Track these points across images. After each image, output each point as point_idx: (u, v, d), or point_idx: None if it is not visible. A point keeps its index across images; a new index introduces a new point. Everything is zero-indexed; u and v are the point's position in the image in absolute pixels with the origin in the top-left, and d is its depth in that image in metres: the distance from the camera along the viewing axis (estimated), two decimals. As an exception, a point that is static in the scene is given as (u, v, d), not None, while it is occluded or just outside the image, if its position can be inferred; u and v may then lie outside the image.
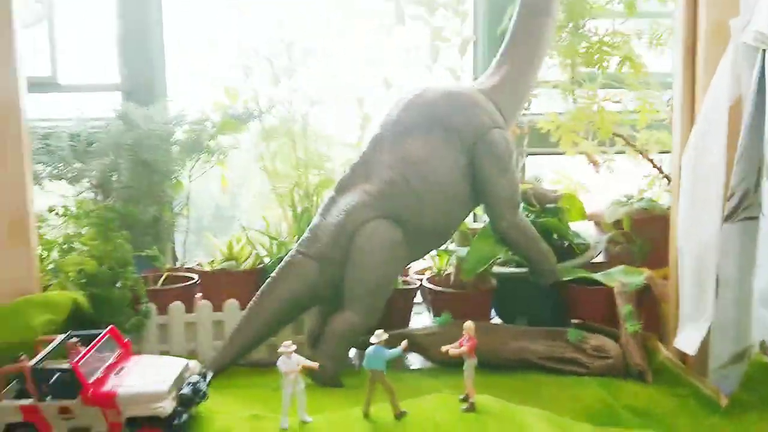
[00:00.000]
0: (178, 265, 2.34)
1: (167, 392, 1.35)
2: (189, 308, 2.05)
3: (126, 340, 1.53)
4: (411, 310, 2.21)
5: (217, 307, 2.04)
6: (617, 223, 2.11)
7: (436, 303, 2.13)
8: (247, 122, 2.30)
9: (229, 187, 2.49)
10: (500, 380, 1.74)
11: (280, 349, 1.43)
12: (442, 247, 2.12)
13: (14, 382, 1.42)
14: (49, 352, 1.41)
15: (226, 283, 2.11)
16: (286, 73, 2.35)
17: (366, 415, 1.44)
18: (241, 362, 1.91)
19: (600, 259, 2.20)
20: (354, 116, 2.44)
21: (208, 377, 1.49)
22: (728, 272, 1.50)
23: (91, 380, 1.36)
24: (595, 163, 2.37)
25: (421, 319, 2.25)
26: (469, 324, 1.45)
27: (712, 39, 1.58)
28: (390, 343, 1.77)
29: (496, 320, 2.17)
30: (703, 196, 1.56)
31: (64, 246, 1.96)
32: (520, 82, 1.95)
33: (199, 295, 2.16)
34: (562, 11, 2.26)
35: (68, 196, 2.17)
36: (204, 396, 1.44)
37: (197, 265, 2.21)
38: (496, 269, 2.14)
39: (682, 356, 1.73)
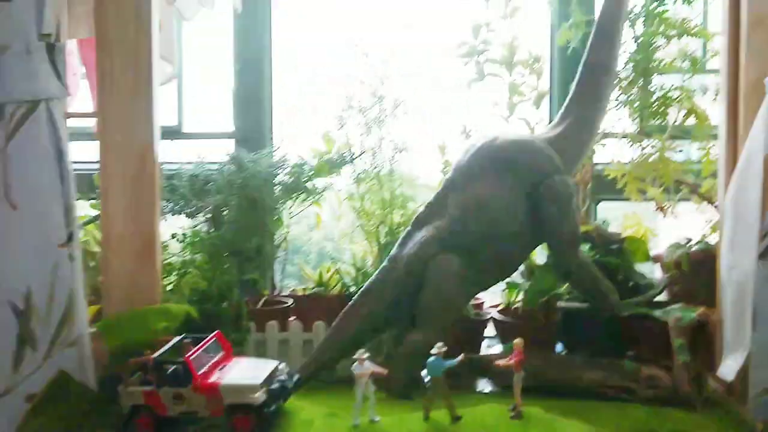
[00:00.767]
0: (276, 290, 2.64)
1: (260, 385, 1.62)
2: (283, 328, 2.34)
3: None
4: (482, 339, 2.41)
5: (308, 328, 2.32)
6: (677, 265, 2.24)
7: (504, 333, 2.32)
8: (341, 167, 2.60)
9: (323, 223, 2.78)
10: (557, 402, 1.86)
11: (355, 356, 1.68)
12: (512, 281, 2.33)
13: (138, 372, 1.73)
14: (167, 349, 1.72)
15: (315, 307, 2.38)
16: (376, 123, 2.64)
17: (426, 418, 1.65)
18: (327, 379, 2.17)
19: (663, 297, 2.32)
20: (436, 162, 2.70)
21: (295, 378, 1.75)
22: (764, 306, 1.63)
23: (200, 373, 1.65)
24: (662, 209, 2.51)
25: (493, 349, 2.44)
26: (518, 341, 1.65)
27: (752, 95, 1.74)
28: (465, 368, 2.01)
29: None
30: (742, 236, 1.71)
31: (181, 270, 2.31)
32: (581, 132, 2.15)
33: (292, 317, 2.45)
34: (632, 69, 2.46)
35: (186, 227, 2.52)
36: (289, 393, 1.70)
37: (292, 290, 2.51)
38: (561, 303, 2.31)
39: (728, 386, 1.85)
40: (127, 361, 1.69)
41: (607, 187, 2.59)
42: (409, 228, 2.13)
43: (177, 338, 1.77)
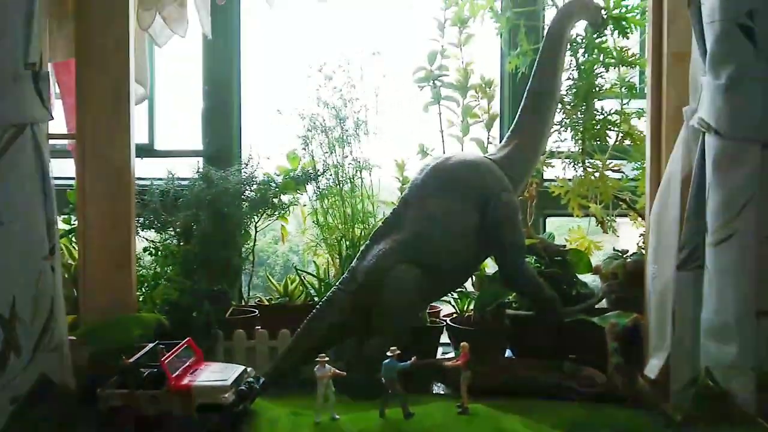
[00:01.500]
0: (243, 301, 2.78)
1: (229, 387, 1.76)
2: (250, 336, 2.48)
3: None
4: (437, 346, 2.58)
5: (273, 336, 2.46)
6: (614, 275, 2.44)
7: (457, 339, 2.49)
8: (305, 183, 2.76)
9: (288, 237, 2.93)
10: (502, 403, 1.99)
11: (317, 359, 1.84)
12: (464, 291, 2.52)
13: (116, 376, 1.86)
14: (142, 355, 1.85)
15: (281, 316, 2.53)
16: (339, 143, 2.80)
17: (382, 415, 1.81)
18: (292, 383, 2.32)
19: (604, 305, 2.52)
20: (395, 179, 2.88)
21: (261, 380, 1.90)
22: (683, 311, 1.83)
23: (174, 375, 1.79)
24: (602, 224, 2.72)
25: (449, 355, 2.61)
26: (464, 344, 1.83)
27: (673, 121, 1.95)
28: (419, 371, 2.18)
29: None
30: (663, 248, 1.91)
31: (153, 282, 2.44)
32: (526, 153, 2.36)
33: (258, 326, 2.60)
34: (574, 94, 2.67)
35: (156, 241, 2.65)
36: (256, 394, 1.85)
37: (258, 301, 2.66)
38: (509, 311, 2.50)
39: (655, 384, 2.04)
40: (105, 366, 1.81)
41: (554, 203, 2.79)
42: (368, 242, 2.29)
43: (151, 345, 1.90)
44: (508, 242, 2.23)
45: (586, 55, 2.64)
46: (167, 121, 3.13)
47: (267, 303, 2.62)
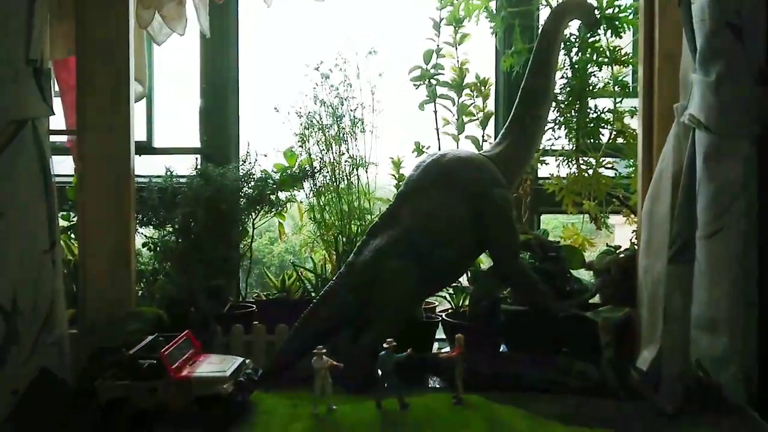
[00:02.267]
0: (240, 296, 2.80)
1: (228, 378, 1.79)
2: (248, 331, 2.51)
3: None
4: (433, 341, 2.61)
5: (271, 331, 2.49)
6: (608, 271, 2.48)
7: (453, 333, 2.52)
8: (302, 180, 2.79)
9: (285, 234, 2.96)
10: (497, 395, 2.02)
11: (314, 351, 1.87)
12: (459, 286, 2.55)
13: (114, 369, 1.88)
14: (141, 347, 1.88)
15: (278, 311, 2.56)
16: (336, 140, 2.83)
17: (378, 406, 1.84)
18: (289, 374, 2.35)
19: (597, 300, 2.55)
20: (390, 176, 2.91)
21: (259, 372, 1.93)
22: (674, 305, 1.87)
23: (173, 367, 1.81)
24: (596, 221, 2.75)
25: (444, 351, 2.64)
26: (459, 336, 1.86)
27: (664, 118, 1.99)
28: (414, 365, 2.22)
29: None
30: (655, 243, 1.94)
31: (151, 277, 2.47)
32: (519, 151, 2.39)
33: (256, 321, 2.62)
34: (567, 92, 2.70)
35: (154, 237, 2.67)
36: (255, 385, 1.88)
37: (256, 296, 2.68)
38: (504, 307, 2.53)
39: (645, 376, 2.08)
40: (104, 359, 1.84)
41: (548, 200, 2.82)
42: (365, 237, 2.32)
43: (150, 337, 1.93)
44: (503, 238, 2.26)
45: (580, 54, 2.67)
46: (165, 118, 3.15)
47: (265, 298, 2.64)
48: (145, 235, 2.64)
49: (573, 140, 2.72)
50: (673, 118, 1.93)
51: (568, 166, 2.71)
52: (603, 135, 2.65)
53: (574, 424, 1.85)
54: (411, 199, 2.29)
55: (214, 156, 3.01)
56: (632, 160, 2.65)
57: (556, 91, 2.64)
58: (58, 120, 2.75)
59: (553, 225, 3.21)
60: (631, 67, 2.66)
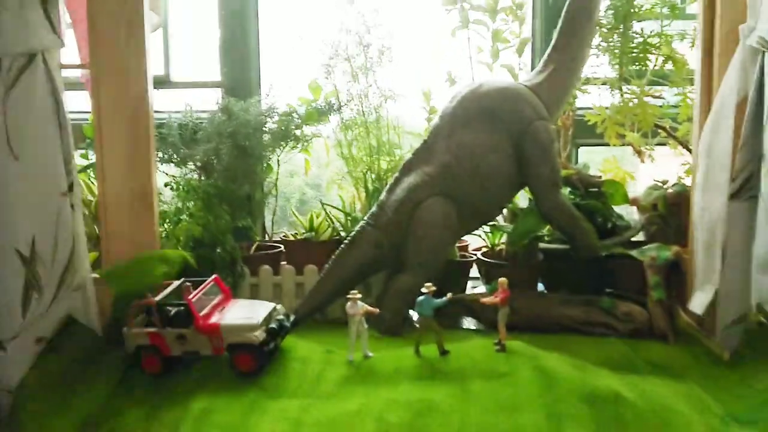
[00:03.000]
0: (266, 236, 2.71)
1: (259, 325, 1.70)
2: (275, 272, 2.42)
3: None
4: (467, 281, 2.51)
5: (299, 272, 2.40)
6: (654, 206, 2.34)
7: (489, 274, 2.42)
8: (328, 114, 2.64)
9: (311, 170, 2.84)
10: (539, 338, 1.94)
11: (348, 296, 1.77)
12: (495, 224, 2.43)
13: (142, 315, 1.80)
14: (169, 293, 1.79)
15: (306, 251, 2.47)
16: (362, 71, 2.68)
17: (417, 353, 1.76)
18: (320, 319, 2.28)
19: (641, 238, 2.43)
20: (421, 109, 2.76)
21: (291, 318, 1.84)
22: (733, 244, 1.74)
23: (201, 314, 1.73)
24: (639, 153, 2.60)
25: (478, 290, 2.54)
26: (502, 279, 1.75)
27: (726, 42, 1.81)
28: (449, 307, 2.13)
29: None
30: (714, 178, 1.80)
31: (174, 218, 2.37)
32: (562, 79, 2.22)
33: (284, 262, 2.54)
34: (612, 15, 2.50)
35: (176, 176, 2.57)
36: (287, 332, 1.79)
37: (283, 236, 2.59)
38: (542, 245, 2.42)
39: (699, 320, 1.97)
40: (132, 305, 1.76)
41: (587, 132, 2.66)
42: (397, 174, 2.20)
43: (177, 282, 1.84)
44: (544, 173, 2.12)
45: (626, -28, 2.46)
46: (183, 50, 3.00)
47: (293, 238, 2.54)
48: (166, 174, 2.54)
49: (616, 67, 2.54)
50: (736, 41, 1.76)
51: (611, 95, 2.54)
52: (650, 61, 2.46)
53: (623, 370, 1.75)
54: (447, 133, 2.15)
55: (236, 89, 2.88)
56: (680, 88, 2.48)
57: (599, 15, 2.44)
58: (71, 53, 2.62)
59: (590, 159, 3.04)
60: (681, -14, 2.46)
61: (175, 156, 2.58)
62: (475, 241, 2.66)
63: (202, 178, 2.55)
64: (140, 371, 1.76)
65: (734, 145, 1.73)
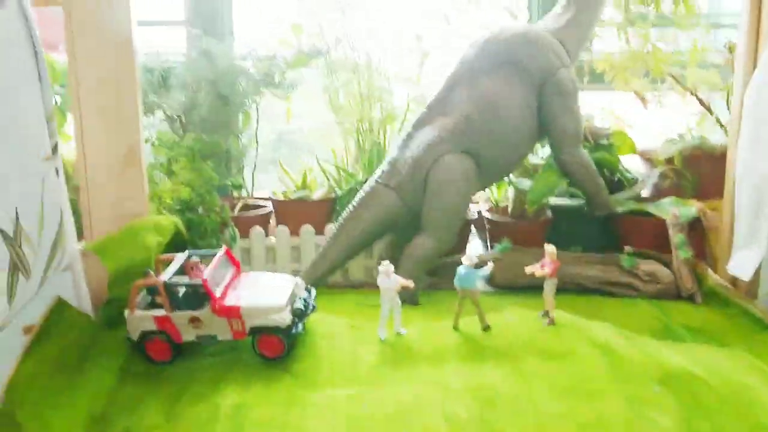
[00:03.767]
0: (247, 194, 2.48)
1: (285, 305, 1.51)
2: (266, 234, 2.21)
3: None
4: (468, 239, 2.37)
5: (295, 233, 2.20)
6: (669, 160, 2.25)
7: (494, 232, 2.28)
8: (315, 58, 2.40)
9: (294, 120, 2.60)
10: (561, 301, 1.81)
11: (380, 268, 1.59)
12: (511, 181, 2.28)
13: (143, 294, 1.58)
14: (175, 271, 1.57)
15: (300, 211, 2.26)
16: (350, 10, 2.44)
17: (455, 328, 1.61)
18: (341, 283, 2.11)
19: (645, 193, 2.33)
20: (413, 53, 2.55)
21: (313, 293, 1.66)
22: (784, 205, 1.65)
23: (217, 296, 1.52)
24: (643, 101, 2.49)
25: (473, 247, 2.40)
26: (551, 248, 1.61)
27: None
28: (450, 268, 1.97)
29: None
30: (763, 135, 1.69)
31: (154, 178, 2.12)
32: (584, 23, 2.06)
33: (272, 222, 2.33)
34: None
35: (147, 127, 2.28)
36: (314, 309, 1.61)
37: (272, 194, 2.36)
38: (552, 201, 2.29)
39: (731, 281, 1.90)
40: (134, 285, 1.53)
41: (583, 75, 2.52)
42: (410, 130, 2.01)
43: (182, 256, 1.62)
44: (568, 124, 1.98)
45: None
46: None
47: (281, 197, 2.32)
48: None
49: (623, 8, 2.40)
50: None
51: (620, 39, 2.40)
52: (659, 3, 2.32)
53: (664, 337, 1.67)
54: (466, 82, 1.97)
55: (204, 29, 2.57)
56: (690, 32, 2.37)
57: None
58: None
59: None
60: None
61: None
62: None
63: (179, 130, 2.29)
64: (145, 358, 1.55)
65: (789, 100, 1.62)
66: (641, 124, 2.56)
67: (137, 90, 1.73)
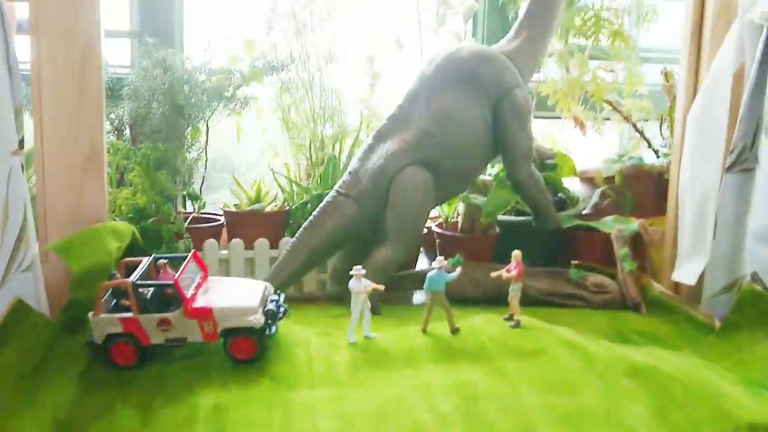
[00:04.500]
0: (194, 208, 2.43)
1: (258, 306, 1.50)
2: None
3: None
4: (418, 254, 2.41)
5: (249, 246, 2.18)
6: (609, 179, 2.37)
7: (444, 247, 2.33)
8: (269, 74, 2.41)
9: (243, 135, 2.59)
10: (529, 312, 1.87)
11: (353, 272, 1.60)
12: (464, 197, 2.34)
13: (107, 296, 1.52)
14: (142, 272, 1.52)
15: (253, 224, 2.24)
16: (304, 29, 2.47)
17: (424, 331, 1.63)
18: (294, 296, 2.09)
19: (587, 211, 2.45)
20: (364, 73, 2.60)
21: (282, 296, 1.64)
22: (726, 215, 1.77)
23: (188, 297, 1.49)
24: (582, 127, 2.62)
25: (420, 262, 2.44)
26: (516, 252, 1.67)
27: (719, 16, 1.83)
28: (401, 285, 2.09)
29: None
30: (706, 150, 1.82)
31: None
32: (536, 47, 2.16)
33: (224, 235, 2.29)
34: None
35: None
36: (285, 312, 1.59)
37: (223, 206, 2.33)
38: (499, 217, 2.37)
39: (673, 289, 2.01)
40: (100, 287, 1.47)
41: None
42: (370, 141, 2.04)
43: (148, 259, 1.58)
44: (521, 142, 2.06)
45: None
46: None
47: (234, 209, 2.29)
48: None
49: (563, 40, 2.54)
50: (728, 15, 1.79)
51: (563, 68, 2.53)
52: (602, 35, 2.47)
53: (621, 342, 1.74)
54: (424, 98, 2.03)
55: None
56: (625, 64, 2.53)
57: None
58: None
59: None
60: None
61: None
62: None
63: (135, 140, 2.24)
64: (108, 362, 1.49)
65: (730, 117, 1.76)
66: (580, 150, 2.70)
67: (101, 93, 1.69)
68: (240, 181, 2.33)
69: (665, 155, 2.35)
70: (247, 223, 2.24)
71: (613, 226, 2.18)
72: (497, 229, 2.36)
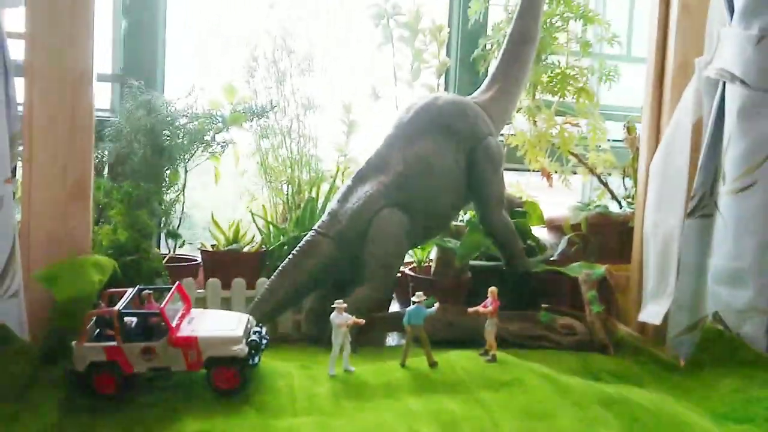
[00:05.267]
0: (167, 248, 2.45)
1: (242, 337, 1.52)
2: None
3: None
4: (392, 298, 2.46)
5: (226, 286, 2.20)
6: (575, 226, 2.47)
7: (417, 290, 2.37)
8: (250, 120, 2.48)
9: (221, 178, 2.63)
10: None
11: (334, 305, 1.64)
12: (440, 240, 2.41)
13: (91, 327, 1.53)
14: (127, 301, 1.54)
15: (230, 264, 2.27)
16: (284, 78, 2.55)
17: (403, 365, 1.67)
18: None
19: (555, 257, 2.53)
20: (341, 121, 2.68)
21: (264, 329, 1.67)
22: (688, 258, 1.87)
23: (173, 326, 1.51)
24: (549, 178, 2.74)
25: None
26: (492, 288, 1.73)
27: (679, 73, 1.97)
28: (374, 327, 2.10)
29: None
30: (668, 197, 1.94)
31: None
32: (508, 97, 2.28)
33: (201, 275, 2.31)
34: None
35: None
36: (267, 344, 1.62)
37: (200, 246, 2.35)
38: (471, 262, 2.44)
39: (639, 331, 2.09)
40: (86, 315, 1.49)
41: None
42: (349, 183, 2.11)
43: (133, 290, 1.60)
44: (494, 189, 2.15)
45: (550, 5, 2.61)
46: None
47: (212, 249, 2.32)
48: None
49: (532, 97, 2.67)
50: (689, 72, 1.93)
51: (531, 122, 2.66)
52: (569, 91, 2.61)
53: (593, 380, 1.79)
54: (402, 144, 2.11)
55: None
56: (590, 119, 2.66)
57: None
58: None
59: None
60: (596, 25, 2.64)
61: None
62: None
63: (109, 179, 2.27)
64: (89, 391, 1.49)
65: (690, 166, 1.87)
66: (547, 200, 2.81)
67: (91, 131, 1.73)
68: (218, 222, 2.37)
69: (629, 204, 2.46)
70: (224, 263, 2.27)
71: (580, 270, 2.26)
72: (469, 274, 2.42)
